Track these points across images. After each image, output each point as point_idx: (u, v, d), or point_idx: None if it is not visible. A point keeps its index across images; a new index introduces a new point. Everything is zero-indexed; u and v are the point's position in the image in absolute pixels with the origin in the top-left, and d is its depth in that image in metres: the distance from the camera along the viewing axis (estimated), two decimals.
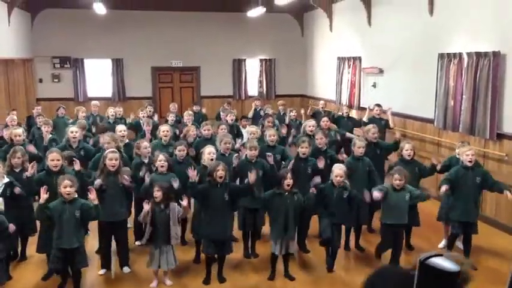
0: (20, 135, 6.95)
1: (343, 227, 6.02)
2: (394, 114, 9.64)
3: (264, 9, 12.62)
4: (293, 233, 5.60)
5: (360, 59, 11.97)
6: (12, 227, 5.15)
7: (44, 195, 4.86)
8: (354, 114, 11.10)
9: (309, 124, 7.74)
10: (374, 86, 11.31)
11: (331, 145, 7.71)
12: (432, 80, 8.74)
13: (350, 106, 11.84)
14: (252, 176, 5.41)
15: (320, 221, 5.98)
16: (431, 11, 8.92)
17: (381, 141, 7.61)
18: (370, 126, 7.34)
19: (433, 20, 8.92)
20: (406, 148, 6.42)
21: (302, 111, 11.05)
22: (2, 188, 5.41)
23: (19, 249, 6.09)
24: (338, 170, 5.68)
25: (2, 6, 12.15)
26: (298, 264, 6.10)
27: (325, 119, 8.54)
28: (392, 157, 7.33)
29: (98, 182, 5.45)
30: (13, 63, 14.20)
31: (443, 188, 5.82)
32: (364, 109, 10.81)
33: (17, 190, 5.50)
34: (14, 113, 9.53)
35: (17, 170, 5.84)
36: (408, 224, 5.92)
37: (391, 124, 9.36)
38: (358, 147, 6.46)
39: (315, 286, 5.60)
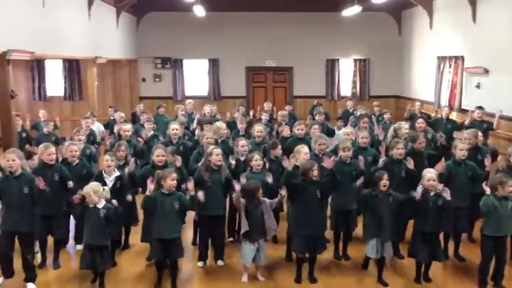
0: (128, 131, 7.54)
1: (441, 236, 5.71)
2: (500, 117, 9.00)
3: (360, 8, 12.38)
4: (388, 236, 5.45)
5: (462, 58, 11.37)
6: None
7: (151, 186, 5.16)
8: (453, 116, 10.53)
9: (403, 127, 7.48)
10: (478, 86, 10.67)
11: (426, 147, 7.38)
12: None
13: (450, 108, 11.24)
14: (328, 163, 5.47)
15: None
16: None
17: (482, 146, 7.09)
18: (471, 130, 6.92)
19: None
20: None
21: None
22: (113, 181, 5.80)
23: (123, 237, 6.50)
24: (429, 174, 5.40)
25: (112, 10, 13.12)
26: (391, 270, 5.91)
27: (420, 120, 8.19)
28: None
29: (200, 194, 5.66)
30: (120, 64, 15.29)
31: None
32: (465, 111, 10.21)
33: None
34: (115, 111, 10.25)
35: (121, 163, 6.19)
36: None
37: (494, 126, 8.77)
38: (460, 149, 6.05)
39: None
